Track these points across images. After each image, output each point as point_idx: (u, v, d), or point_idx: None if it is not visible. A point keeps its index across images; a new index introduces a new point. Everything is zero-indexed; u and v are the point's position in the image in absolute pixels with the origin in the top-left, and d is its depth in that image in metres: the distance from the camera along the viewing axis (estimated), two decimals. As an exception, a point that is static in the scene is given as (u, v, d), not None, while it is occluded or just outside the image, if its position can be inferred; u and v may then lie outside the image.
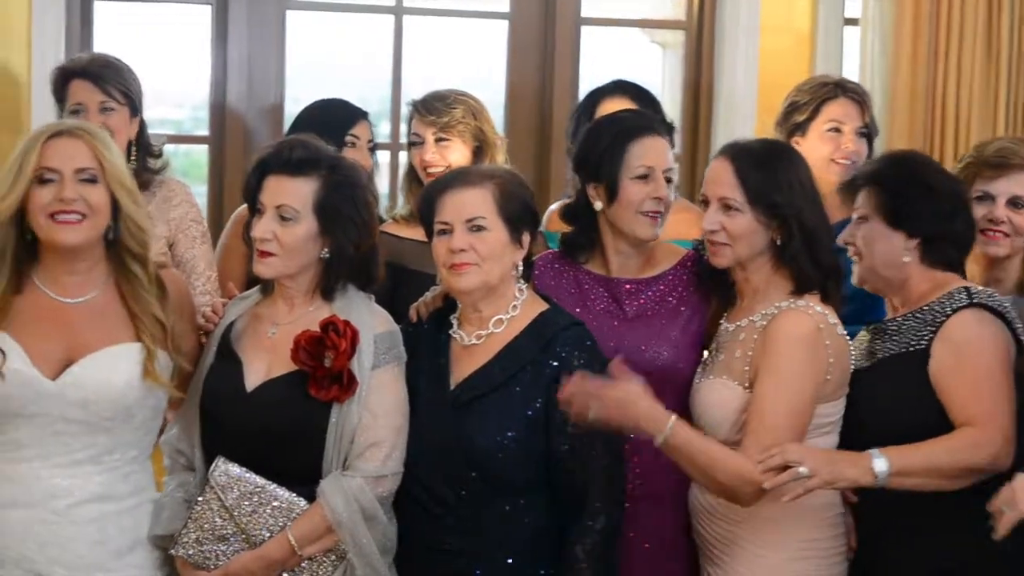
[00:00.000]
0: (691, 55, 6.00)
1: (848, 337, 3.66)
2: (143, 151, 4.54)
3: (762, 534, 3.60)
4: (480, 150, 4.60)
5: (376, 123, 4.82)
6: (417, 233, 4.04)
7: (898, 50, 5.72)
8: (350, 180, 3.55)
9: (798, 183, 3.64)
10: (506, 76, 5.88)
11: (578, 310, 3.80)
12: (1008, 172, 4.02)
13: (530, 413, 3.51)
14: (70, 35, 5.36)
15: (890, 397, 3.58)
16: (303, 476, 3.47)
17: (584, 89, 5.33)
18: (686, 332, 3.87)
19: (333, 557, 3.49)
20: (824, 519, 3.64)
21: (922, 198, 3.65)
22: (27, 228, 3.42)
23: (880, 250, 3.66)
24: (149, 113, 4.65)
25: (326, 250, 3.52)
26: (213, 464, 3.48)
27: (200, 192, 5.33)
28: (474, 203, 3.55)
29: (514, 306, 3.62)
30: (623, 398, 3.38)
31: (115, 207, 3.44)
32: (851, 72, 5.75)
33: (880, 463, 3.40)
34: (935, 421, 3.50)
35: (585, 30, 5.93)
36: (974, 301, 3.56)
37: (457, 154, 4.57)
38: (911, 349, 3.59)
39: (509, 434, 3.50)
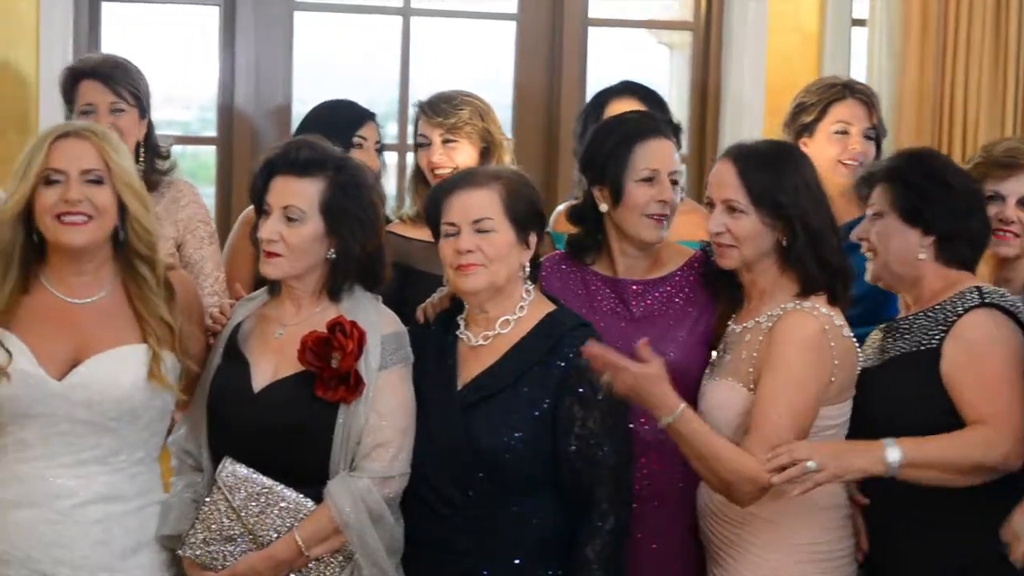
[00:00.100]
0: (698, 56, 5.99)
1: (856, 339, 3.66)
2: (151, 152, 4.54)
3: (767, 537, 3.60)
4: (487, 151, 4.61)
5: (383, 124, 4.82)
6: (424, 234, 4.04)
7: (906, 51, 5.71)
8: (356, 180, 3.55)
9: (803, 184, 3.63)
10: (513, 77, 5.87)
11: (585, 311, 3.80)
12: (1018, 172, 4.01)
13: (537, 414, 3.51)
14: (78, 36, 5.36)
15: (901, 395, 3.58)
16: (310, 477, 3.47)
17: (591, 90, 5.34)
18: (693, 333, 3.87)
19: (340, 558, 3.49)
20: (830, 521, 3.63)
21: (939, 195, 3.64)
22: (34, 228, 3.42)
23: (895, 246, 3.66)
24: (157, 114, 4.67)
25: (332, 251, 3.53)
26: (220, 465, 3.49)
27: (208, 193, 5.33)
28: (481, 204, 3.56)
29: (521, 307, 3.62)
30: (642, 374, 3.40)
31: (122, 208, 3.44)
32: (858, 73, 5.74)
33: (893, 453, 3.40)
34: (945, 420, 3.50)
35: (592, 31, 5.92)
36: (986, 301, 3.56)
37: (464, 155, 4.57)
38: (922, 348, 3.59)
39: (516, 435, 3.50)
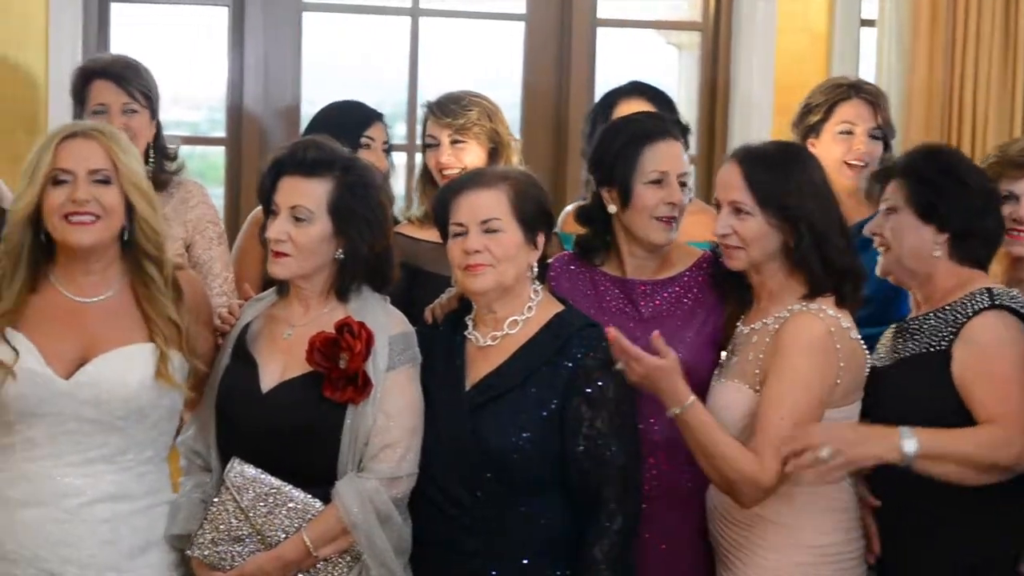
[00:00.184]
0: (707, 56, 5.99)
1: (866, 339, 3.65)
2: (160, 154, 4.55)
3: (775, 539, 3.59)
4: (495, 152, 4.61)
5: (392, 125, 4.83)
6: (432, 234, 4.04)
7: (915, 50, 5.71)
8: (364, 181, 3.55)
9: (809, 185, 3.63)
10: (522, 77, 5.88)
11: (594, 311, 3.79)
12: None
13: (545, 414, 3.51)
14: (87, 36, 5.37)
15: (912, 395, 3.57)
16: (318, 477, 3.47)
17: (600, 90, 5.34)
18: (701, 333, 3.87)
19: (348, 558, 3.50)
20: (839, 523, 3.62)
21: (955, 193, 3.63)
22: (43, 228, 3.43)
23: (909, 243, 3.65)
24: (165, 115, 4.67)
25: (340, 251, 3.53)
26: (228, 465, 3.49)
27: (217, 194, 5.33)
28: (489, 204, 3.56)
29: (529, 307, 3.62)
30: (656, 365, 3.42)
31: (130, 208, 3.45)
32: (868, 72, 5.74)
33: (910, 443, 3.38)
34: (957, 420, 3.49)
35: (601, 31, 5.92)
36: (996, 303, 3.56)
37: (472, 156, 4.57)
38: (932, 350, 3.58)
39: (524, 435, 3.50)
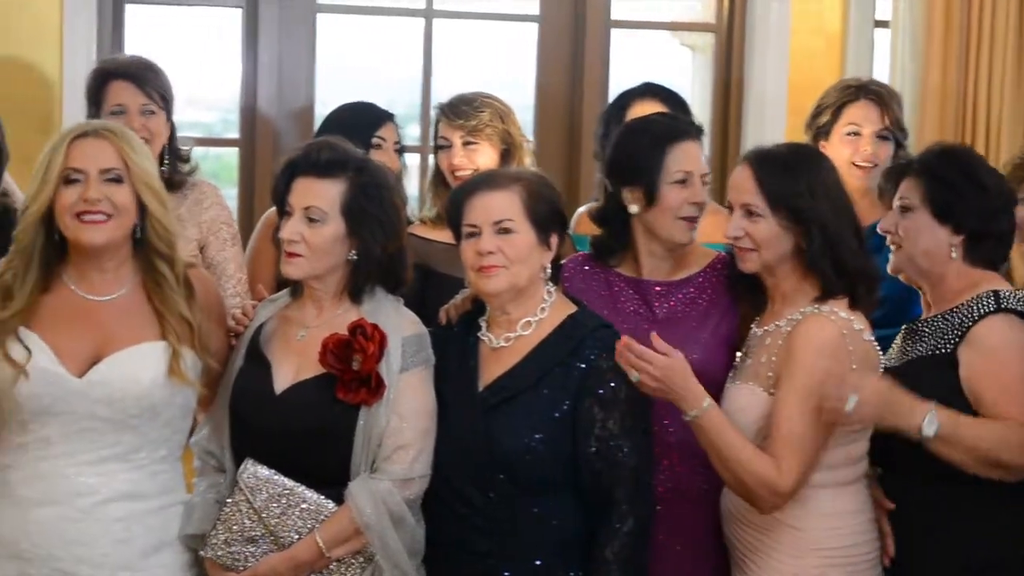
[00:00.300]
0: (721, 57, 5.99)
1: (880, 341, 3.65)
2: (173, 155, 4.56)
3: (789, 542, 3.58)
4: (508, 153, 4.60)
5: (406, 126, 4.83)
6: (444, 236, 4.05)
7: (929, 52, 5.70)
8: (377, 182, 3.56)
9: (821, 187, 3.62)
10: (536, 79, 5.88)
11: (608, 312, 3.79)
12: None
13: (558, 415, 3.51)
14: (101, 38, 5.38)
15: (922, 396, 3.55)
16: (331, 478, 3.48)
17: (614, 92, 5.34)
18: (716, 335, 3.87)
19: (361, 559, 3.50)
20: (854, 526, 3.61)
21: (974, 194, 3.63)
22: (55, 228, 3.44)
23: (924, 243, 3.65)
24: (179, 116, 4.69)
25: (354, 252, 3.53)
26: (242, 466, 3.49)
27: (230, 195, 5.35)
28: (501, 206, 3.56)
29: (542, 308, 3.62)
30: (667, 366, 3.42)
31: (142, 207, 3.46)
32: (881, 74, 5.74)
33: (930, 427, 3.40)
34: (967, 419, 3.50)
35: (615, 33, 5.92)
36: (1002, 306, 3.55)
37: (485, 157, 4.57)
38: (938, 352, 3.58)
39: (537, 436, 3.50)
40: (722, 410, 3.58)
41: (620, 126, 4.21)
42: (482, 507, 3.53)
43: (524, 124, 4.80)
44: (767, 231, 3.61)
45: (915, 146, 4.95)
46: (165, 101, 4.51)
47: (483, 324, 3.67)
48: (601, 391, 3.50)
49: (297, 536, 3.46)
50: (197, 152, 4.74)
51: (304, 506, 3.46)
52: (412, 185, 5.11)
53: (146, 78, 4.48)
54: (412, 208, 4.75)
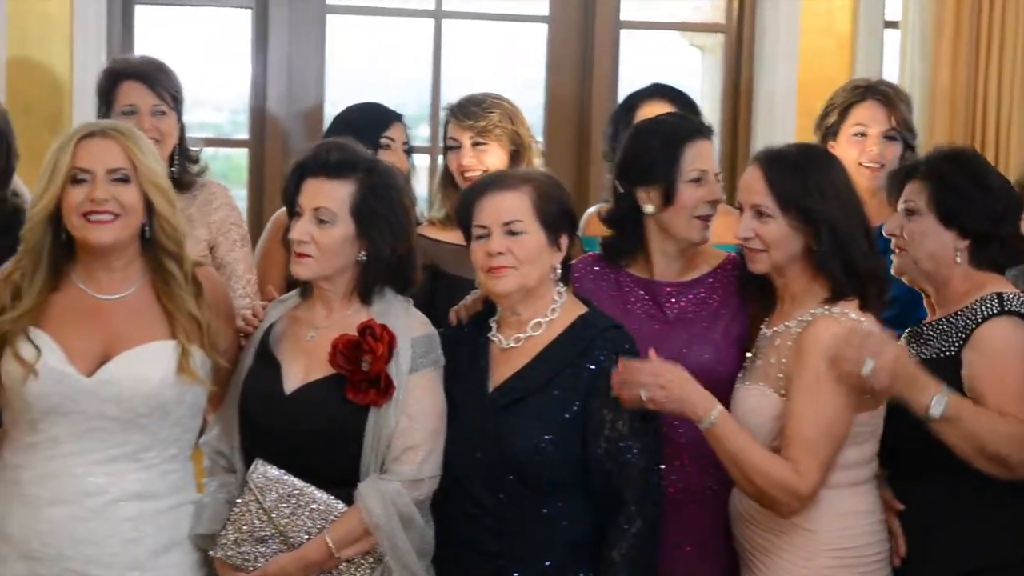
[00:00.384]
0: (730, 58, 5.99)
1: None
2: (183, 156, 4.57)
3: (799, 543, 3.57)
4: (517, 154, 4.60)
5: (415, 126, 4.83)
6: (453, 236, 4.05)
7: (938, 52, 5.69)
8: (386, 183, 3.56)
9: (831, 188, 3.61)
10: (545, 80, 5.88)
11: (618, 313, 3.78)
12: None
13: (567, 416, 3.51)
14: (111, 38, 5.39)
15: None
16: (341, 479, 3.48)
17: (623, 93, 5.33)
18: (726, 335, 3.86)
19: (371, 559, 3.50)
20: (863, 527, 3.60)
21: (979, 197, 3.63)
22: (63, 227, 3.44)
23: (929, 247, 3.65)
24: (188, 117, 4.69)
25: (363, 253, 3.53)
26: (251, 466, 3.49)
27: (240, 196, 5.35)
28: (511, 206, 3.55)
29: (553, 309, 3.61)
30: (673, 378, 3.42)
31: (149, 206, 3.46)
32: (891, 74, 5.73)
33: (938, 407, 3.40)
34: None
35: (624, 34, 5.93)
36: (1006, 309, 3.54)
37: (494, 158, 4.56)
38: (942, 355, 3.58)
39: (546, 437, 3.49)
40: (732, 411, 3.58)
41: (630, 127, 4.21)
42: (492, 508, 3.53)
43: (533, 125, 4.80)
44: (777, 232, 3.60)
45: (924, 147, 4.94)
46: (176, 102, 4.52)
47: (493, 325, 3.67)
48: (611, 392, 3.49)
49: (307, 536, 3.46)
50: (206, 153, 4.75)
51: (314, 506, 3.46)
52: (421, 186, 5.10)
53: (157, 79, 4.49)
54: (421, 209, 4.75)
